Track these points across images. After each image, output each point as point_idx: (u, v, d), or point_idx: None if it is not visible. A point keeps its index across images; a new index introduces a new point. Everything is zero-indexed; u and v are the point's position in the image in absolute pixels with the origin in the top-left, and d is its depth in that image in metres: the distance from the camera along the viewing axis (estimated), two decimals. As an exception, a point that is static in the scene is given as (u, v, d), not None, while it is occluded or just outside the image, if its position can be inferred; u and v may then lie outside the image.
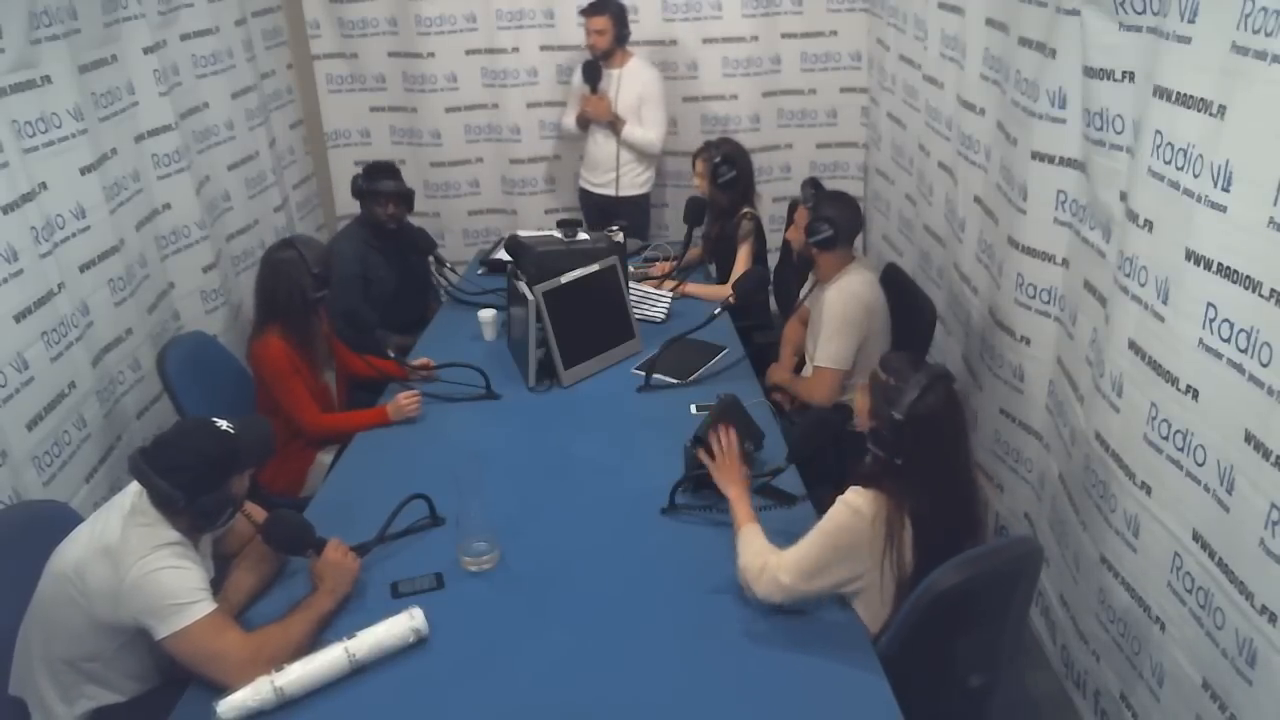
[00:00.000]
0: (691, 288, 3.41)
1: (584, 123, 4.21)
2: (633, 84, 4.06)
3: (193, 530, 1.79)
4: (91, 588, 1.69)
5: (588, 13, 4.01)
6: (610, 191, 4.19)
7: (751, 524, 1.90)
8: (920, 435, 1.74)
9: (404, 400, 2.64)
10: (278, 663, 1.67)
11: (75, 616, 1.72)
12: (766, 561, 1.79)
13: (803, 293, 3.02)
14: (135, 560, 1.67)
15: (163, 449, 1.75)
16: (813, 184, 2.99)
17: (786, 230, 2.88)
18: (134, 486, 1.79)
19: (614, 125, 4.06)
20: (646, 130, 4.09)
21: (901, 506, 1.75)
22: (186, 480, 1.71)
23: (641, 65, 4.12)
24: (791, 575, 1.76)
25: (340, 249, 3.27)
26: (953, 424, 1.79)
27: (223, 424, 1.79)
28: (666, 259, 3.68)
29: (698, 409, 2.59)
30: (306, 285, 2.63)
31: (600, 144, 4.19)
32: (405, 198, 3.40)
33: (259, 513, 1.94)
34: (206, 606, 1.70)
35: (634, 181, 4.21)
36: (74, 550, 1.75)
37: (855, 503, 1.77)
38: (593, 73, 4.03)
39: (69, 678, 1.77)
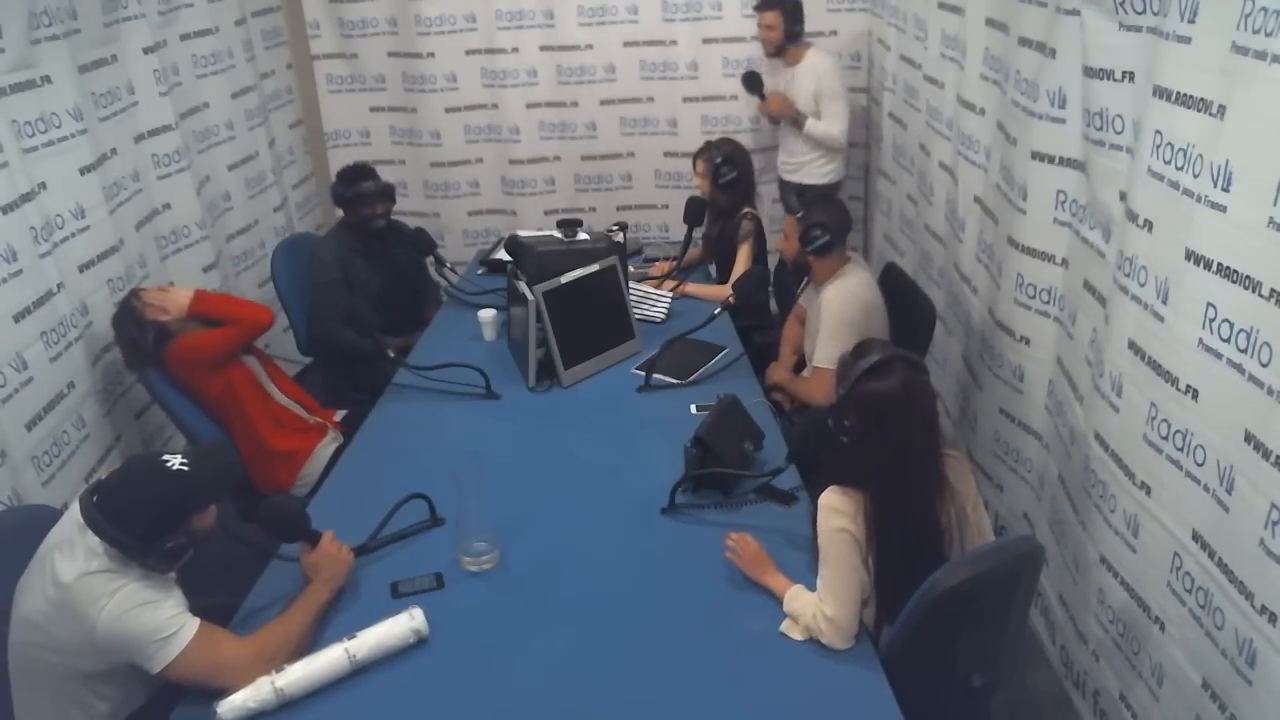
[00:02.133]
0: (691, 288, 3.41)
1: (775, 120, 4.19)
2: (807, 79, 3.98)
3: (154, 570, 1.69)
4: (61, 643, 1.63)
5: (760, 8, 3.99)
6: (795, 178, 4.17)
7: (790, 589, 1.85)
8: (863, 413, 1.74)
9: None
10: (279, 659, 1.67)
11: (58, 670, 1.67)
12: (815, 610, 1.76)
13: (799, 291, 3.01)
14: (100, 610, 1.59)
15: (112, 496, 1.64)
16: (796, 192, 2.98)
17: (777, 241, 2.86)
18: (74, 517, 1.67)
19: (797, 120, 4.01)
20: (829, 125, 3.98)
21: (870, 498, 1.74)
22: (140, 529, 1.62)
23: (818, 57, 4.02)
24: (832, 605, 1.73)
25: (318, 255, 3.25)
26: (904, 410, 1.74)
27: (175, 462, 1.67)
28: (666, 259, 3.68)
29: (698, 409, 2.59)
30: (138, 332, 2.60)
31: (785, 132, 4.21)
32: (388, 194, 3.35)
33: None
34: (191, 628, 1.65)
35: (817, 171, 4.14)
36: (30, 604, 1.66)
37: (833, 504, 1.76)
38: (753, 82, 3.96)
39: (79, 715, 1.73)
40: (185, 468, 1.67)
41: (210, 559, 1.92)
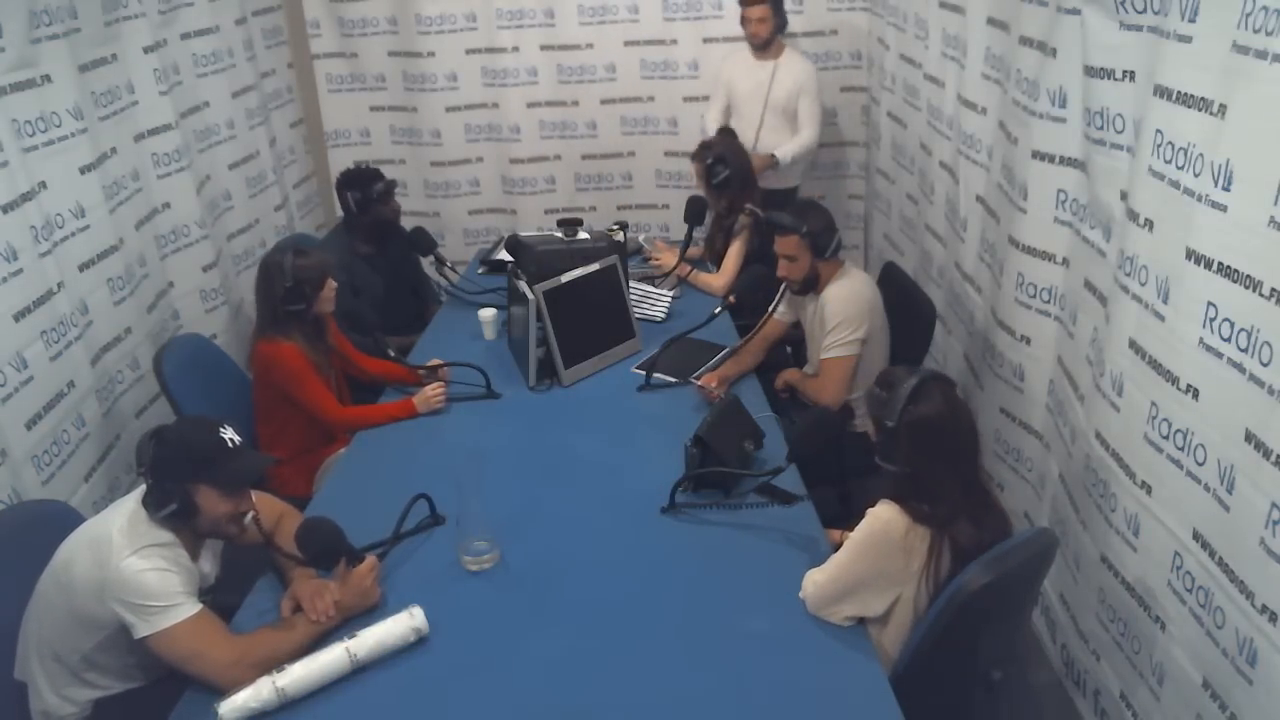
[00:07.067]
0: (692, 277, 3.42)
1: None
2: (788, 75, 3.95)
3: (188, 531, 1.78)
4: (76, 579, 1.70)
5: (747, 2, 3.90)
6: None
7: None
8: (918, 440, 1.74)
9: (431, 392, 2.67)
10: (264, 667, 1.66)
11: (59, 606, 1.72)
12: (813, 569, 1.83)
13: (773, 307, 2.88)
14: (121, 557, 1.66)
15: (169, 425, 1.82)
16: (767, 218, 2.84)
17: (781, 269, 2.76)
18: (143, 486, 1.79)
19: (772, 166, 3.86)
20: (806, 130, 3.96)
21: (939, 524, 1.73)
22: (157, 456, 1.72)
23: (795, 54, 4.02)
24: (824, 572, 1.80)
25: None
26: (953, 425, 1.77)
27: (228, 434, 1.76)
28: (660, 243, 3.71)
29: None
30: (278, 295, 2.60)
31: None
32: (394, 188, 3.46)
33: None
34: (188, 610, 1.68)
35: (792, 173, 4.12)
36: (71, 541, 1.76)
37: (885, 514, 1.75)
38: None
39: (54, 668, 1.77)
40: (230, 443, 1.76)
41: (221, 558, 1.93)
